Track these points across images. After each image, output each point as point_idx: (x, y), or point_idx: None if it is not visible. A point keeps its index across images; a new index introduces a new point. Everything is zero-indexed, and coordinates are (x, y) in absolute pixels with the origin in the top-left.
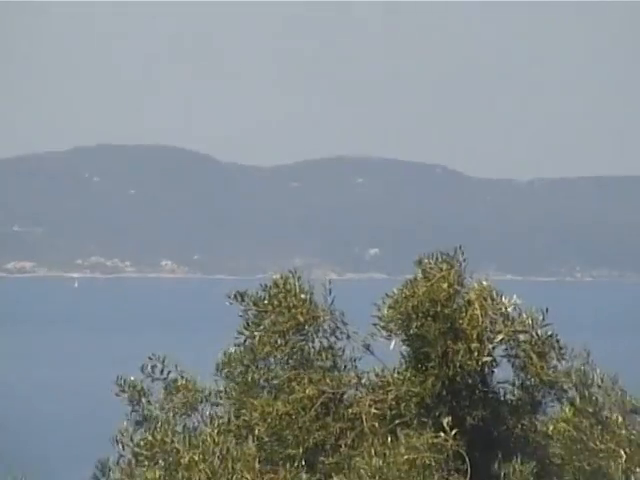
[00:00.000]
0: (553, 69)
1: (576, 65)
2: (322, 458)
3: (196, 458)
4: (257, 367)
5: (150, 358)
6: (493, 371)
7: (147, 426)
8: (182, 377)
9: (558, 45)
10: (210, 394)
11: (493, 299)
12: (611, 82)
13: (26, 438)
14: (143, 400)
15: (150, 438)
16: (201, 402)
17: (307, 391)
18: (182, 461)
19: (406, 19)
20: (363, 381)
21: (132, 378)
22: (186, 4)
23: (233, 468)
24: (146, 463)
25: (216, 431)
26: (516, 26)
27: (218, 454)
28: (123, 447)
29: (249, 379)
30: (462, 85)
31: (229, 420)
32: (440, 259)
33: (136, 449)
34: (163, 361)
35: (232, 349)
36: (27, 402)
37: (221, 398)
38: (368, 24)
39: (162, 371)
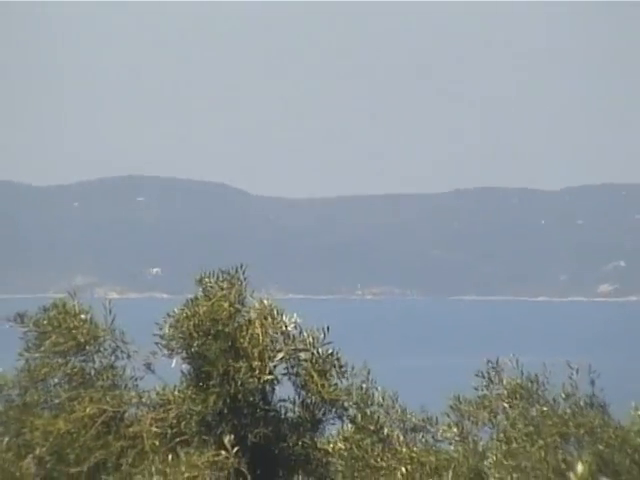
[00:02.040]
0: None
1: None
2: (104, 476)
3: None
4: (36, 388)
5: None
6: (274, 389)
7: None
8: None
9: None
10: None
11: (274, 318)
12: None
13: None
14: None
15: None
16: None
17: (88, 410)
18: None
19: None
20: (144, 400)
21: None
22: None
23: None
24: None
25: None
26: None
27: None
28: None
29: (27, 400)
30: (237, 103)
31: (10, 440)
32: (221, 278)
33: None
34: None
35: (3, 371)
36: None
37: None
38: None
39: None
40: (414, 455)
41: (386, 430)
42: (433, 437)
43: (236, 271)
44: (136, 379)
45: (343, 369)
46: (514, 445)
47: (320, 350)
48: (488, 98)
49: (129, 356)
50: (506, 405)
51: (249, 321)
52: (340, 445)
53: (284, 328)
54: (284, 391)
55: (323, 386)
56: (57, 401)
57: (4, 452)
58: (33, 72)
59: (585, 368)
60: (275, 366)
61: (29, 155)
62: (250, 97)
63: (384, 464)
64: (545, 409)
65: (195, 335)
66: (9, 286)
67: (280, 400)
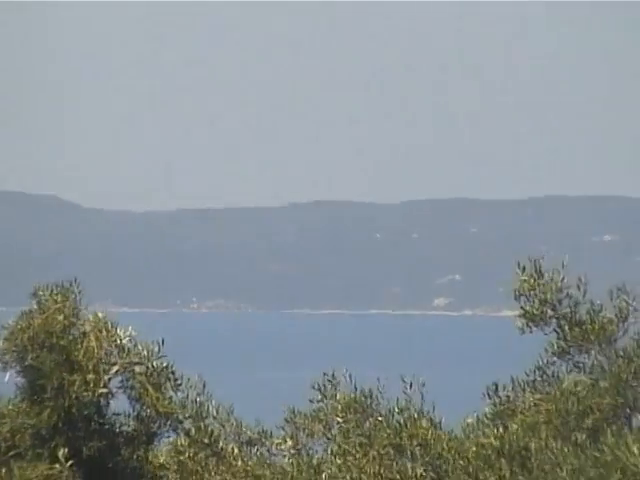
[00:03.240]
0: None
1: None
2: None
3: None
4: None
5: None
6: (109, 402)
7: None
8: None
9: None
10: None
11: (108, 331)
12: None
13: None
14: None
15: None
16: None
17: None
18: None
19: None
20: None
21: None
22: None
23: None
24: None
25: None
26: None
27: None
28: None
29: None
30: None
31: None
32: (55, 291)
33: None
34: None
35: None
36: None
37: None
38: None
39: None
40: (249, 469)
41: (221, 443)
42: (268, 450)
43: (70, 284)
44: None
45: (178, 382)
46: (349, 458)
47: (155, 363)
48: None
49: None
50: (340, 419)
51: (84, 334)
52: (178, 456)
53: (119, 341)
54: (119, 404)
55: (158, 399)
56: None
57: None
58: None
59: (419, 381)
60: (110, 379)
61: None
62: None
63: (218, 478)
64: (380, 419)
65: (29, 348)
66: None
67: (115, 413)
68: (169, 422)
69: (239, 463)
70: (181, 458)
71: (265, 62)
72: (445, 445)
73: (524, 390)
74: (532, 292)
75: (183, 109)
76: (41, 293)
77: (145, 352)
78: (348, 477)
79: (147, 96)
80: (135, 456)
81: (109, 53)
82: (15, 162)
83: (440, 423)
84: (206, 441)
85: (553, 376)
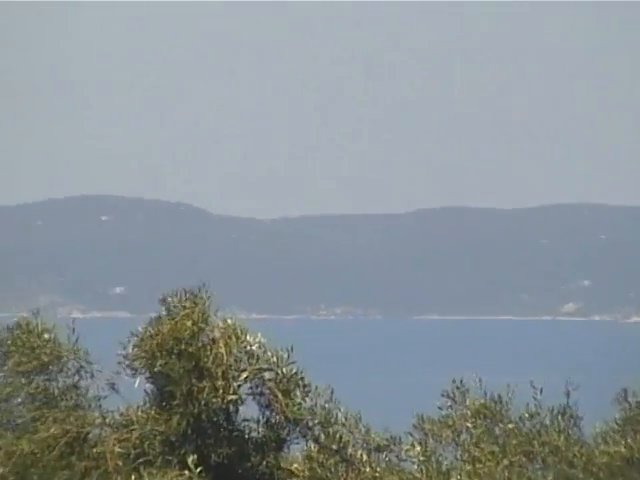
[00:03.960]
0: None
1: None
2: None
3: None
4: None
5: None
6: (238, 409)
7: None
8: None
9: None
10: None
11: (238, 337)
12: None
13: None
14: None
15: None
16: None
17: (51, 430)
18: None
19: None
20: (108, 420)
21: None
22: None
23: None
24: None
25: None
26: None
27: None
28: None
29: None
30: (202, 120)
31: None
32: (184, 297)
33: None
34: None
35: None
36: None
37: None
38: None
39: None
40: (377, 475)
41: (349, 450)
42: (397, 456)
43: (199, 290)
44: (100, 399)
45: (307, 389)
46: (479, 465)
47: (284, 370)
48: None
49: (93, 376)
50: (469, 425)
51: (213, 340)
52: (307, 462)
53: (248, 348)
54: (248, 411)
55: (287, 405)
56: (20, 421)
57: None
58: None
59: (550, 387)
60: (239, 386)
61: None
62: (219, 117)
63: None
64: (510, 426)
65: (158, 354)
66: None
67: (244, 420)
68: (298, 428)
69: (367, 469)
70: (311, 464)
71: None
72: (577, 452)
73: None
74: None
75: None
76: (170, 299)
77: (274, 359)
78: None
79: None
80: (265, 462)
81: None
82: (154, 172)
83: (568, 429)
84: (335, 447)
85: None
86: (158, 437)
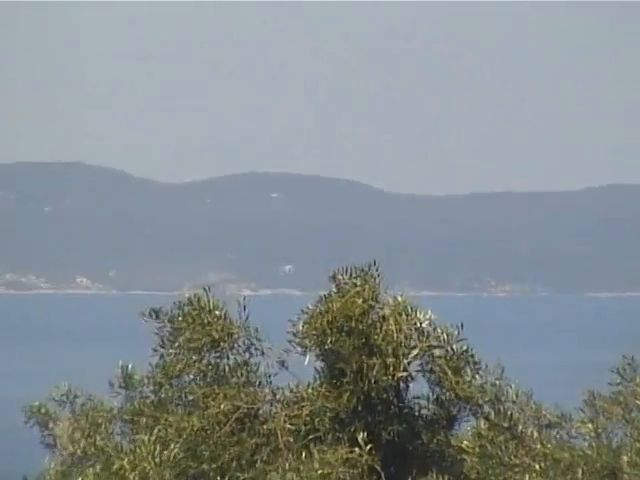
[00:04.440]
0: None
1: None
2: (237, 474)
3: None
4: (170, 385)
5: (56, 387)
6: (408, 386)
7: (53, 451)
8: (90, 399)
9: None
10: (119, 412)
11: (408, 314)
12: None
13: None
14: (51, 424)
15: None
16: (110, 421)
17: (222, 407)
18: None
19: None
20: (278, 397)
21: (37, 403)
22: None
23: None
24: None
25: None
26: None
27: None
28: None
29: (162, 397)
30: (384, 101)
31: (150, 434)
32: (354, 274)
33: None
34: (69, 387)
35: (137, 366)
36: None
37: (134, 415)
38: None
39: (68, 396)
40: (548, 452)
41: (520, 427)
42: (567, 434)
43: (369, 268)
44: (270, 376)
45: (477, 366)
46: None
47: (454, 347)
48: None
49: (263, 353)
50: None
51: (383, 318)
52: (477, 440)
53: (418, 325)
54: (418, 388)
55: (457, 383)
56: (191, 398)
57: (137, 446)
58: None
59: None
60: (409, 363)
61: (159, 153)
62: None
63: (517, 461)
64: None
65: (329, 332)
66: (144, 283)
67: (414, 397)
68: (469, 406)
69: (538, 446)
70: (481, 442)
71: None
72: None
73: None
74: None
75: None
76: (340, 277)
77: (444, 336)
78: None
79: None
80: (435, 440)
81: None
82: (321, 149)
83: None
84: (505, 425)
85: None
86: (328, 414)
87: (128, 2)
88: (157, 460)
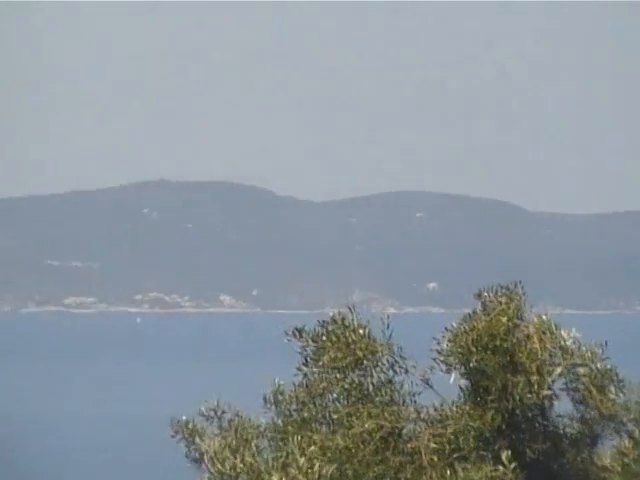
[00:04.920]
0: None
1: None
2: None
3: None
4: (314, 403)
5: (205, 401)
6: (553, 404)
7: (199, 466)
8: (237, 415)
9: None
10: (265, 430)
11: (552, 333)
12: None
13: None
14: (197, 439)
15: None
16: (257, 437)
17: (366, 425)
18: None
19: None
20: (422, 415)
21: (184, 418)
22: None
23: None
24: None
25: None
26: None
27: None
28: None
29: (305, 415)
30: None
31: (288, 454)
32: (499, 293)
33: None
34: (217, 402)
35: (282, 384)
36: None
37: (278, 433)
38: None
39: (216, 411)
40: None
41: None
42: None
43: (515, 286)
44: (414, 394)
45: (621, 384)
46: None
47: (598, 365)
48: None
49: (407, 371)
50: None
51: (527, 336)
52: (622, 458)
53: (562, 343)
54: (561, 406)
55: (602, 401)
56: (335, 416)
57: (288, 463)
58: None
59: None
60: (553, 381)
61: (302, 171)
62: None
63: None
64: None
65: (473, 350)
66: (287, 301)
67: (558, 415)
68: (612, 424)
69: None
70: (624, 460)
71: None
72: None
73: None
74: None
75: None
76: (485, 295)
77: (589, 354)
78: None
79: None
80: (579, 458)
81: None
82: (462, 168)
83: None
84: None
85: None
86: (472, 432)
87: None
88: (310, 478)
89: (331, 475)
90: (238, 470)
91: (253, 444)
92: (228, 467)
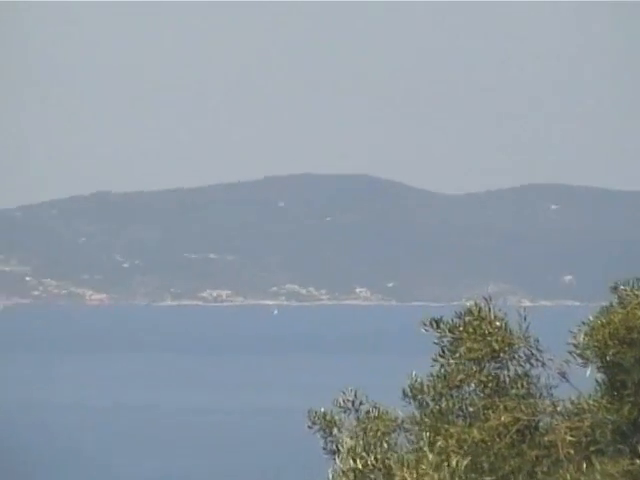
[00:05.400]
0: None
1: None
2: None
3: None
4: (451, 395)
5: (343, 392)
6: None
7: (334, 458)
8: (375, 407)
9: None
10: (402, 422)
11: None
12: None
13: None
14: (335, 431)
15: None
16: (394, 431)
17: (502, 418)
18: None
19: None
20: (558, 409)
21: (322, 410)
22: None
23: None
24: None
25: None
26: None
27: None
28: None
29: (443, 407)
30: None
31: (425, 445)
32: (636, 286)
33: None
34: (355, 394)
35: (419, 376)
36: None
37: (416, 425)
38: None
39: (353, 403)
40: None
41: None
42: None
43: None
44: (550, 388)
45: None
46: None
47: None
48: None
49: (543, 364)
50: None
51: None
52: None
53: None
54: None
55: None
56: (472, 409)
57: (419, 459)
58: None
59: None
60: None
61: (438, 164)
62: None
63: None
64: None
65: (610, 344)
66: (422, 294)
67: None
68: None
69: None
70: None
71: None
72: None
73: None
74: None
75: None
76: (622, 288)
77: None
78: None
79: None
80: None
81: None
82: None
83: None
84: None
85: None
86: (609, 426)
87: None
88: (441, 474)
89: (463, 470)
90: (370, 467)
91: (387, 439)
92: (360, 464)
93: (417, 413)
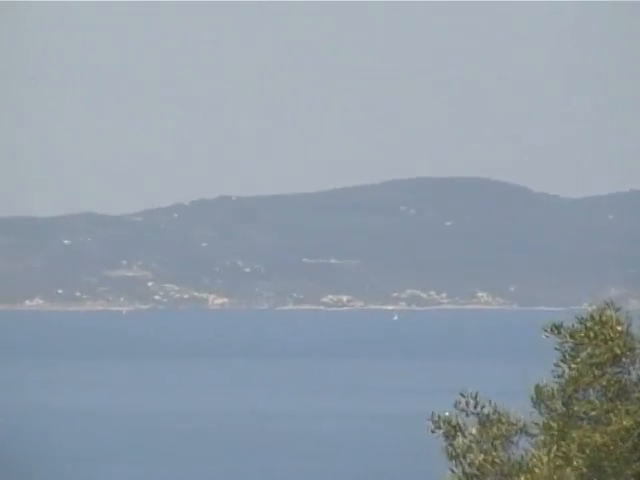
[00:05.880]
0: None
1: None
2: None
3: None
4: (577, 399)
5: (463, 395)
6: None
7: (458, 460)
8: (496, 411)
9: None
10: (525, 426)
11: None
12: None
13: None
14: (459, 435)
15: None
16: (516, 434)
17: (624, 422)
18: None
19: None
20: None
21: (447, 414)
22: None
23: None
24: None
25: (547, 456)
26: None
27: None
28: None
29: (570, 411)
30: None
31: (548, 451)
32: None
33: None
34: (476, 397)
35: (545, 382)
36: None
37: (540, 429)
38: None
39: (475, 406)
40: None
41: None
42: None
43: None
44: None
45: None
46: None
47: None
48: None
49: None
50: None
51: None
52: None
53: None
54: None
55: None
56: (594, 413)
57: (545, 463)
58: None
59: None
60: None
61: (557, 167)
62: None
63: None
64: None
65: None
66: (543, 298)
67: None
68: None
69: None
70: None
71: None
72: None
73: None
74: None
75: None
76: None
77: None
78: None
79: None
80: None
81: None
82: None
83: None
84: None
85: None
86: None
87: None
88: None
89: (586, 473)
90: (485, 471)
91: (503, 442)
92: (475, 468)
93: (542, 417)
